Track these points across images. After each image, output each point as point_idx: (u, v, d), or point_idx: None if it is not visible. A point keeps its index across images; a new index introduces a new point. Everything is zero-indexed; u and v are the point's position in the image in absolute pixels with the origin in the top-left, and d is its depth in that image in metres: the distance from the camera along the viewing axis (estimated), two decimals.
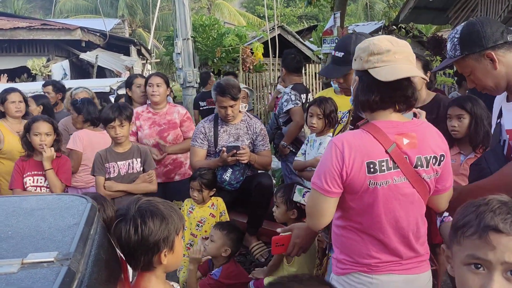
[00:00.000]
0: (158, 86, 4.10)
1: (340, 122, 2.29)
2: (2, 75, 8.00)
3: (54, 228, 1.30)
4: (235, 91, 3.55)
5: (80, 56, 12.51)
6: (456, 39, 1.91)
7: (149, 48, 19.15)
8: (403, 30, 11.05)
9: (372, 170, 1.61)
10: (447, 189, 1.81)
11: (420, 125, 1.73)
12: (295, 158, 3.62)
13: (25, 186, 3.44)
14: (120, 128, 3.33)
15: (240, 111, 3.74)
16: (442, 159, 1.71)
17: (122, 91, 6.46)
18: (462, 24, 1.97)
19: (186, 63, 8.26)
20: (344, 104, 2.92)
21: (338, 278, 1.77)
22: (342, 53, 2.12)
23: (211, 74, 8.56)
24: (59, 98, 5.48)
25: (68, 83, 6.39)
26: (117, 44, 15.02)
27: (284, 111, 4.33)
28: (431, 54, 9.28)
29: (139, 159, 3.42)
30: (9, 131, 4.10)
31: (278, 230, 2.21)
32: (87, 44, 13.13)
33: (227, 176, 3.52)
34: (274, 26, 11.54)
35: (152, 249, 1.55)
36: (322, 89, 8.35)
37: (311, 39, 10.46)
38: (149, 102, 4.22)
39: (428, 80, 3.00)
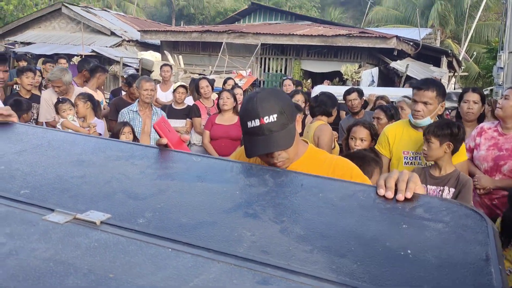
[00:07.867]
0: None
1: None
2: (325, 80, 8.78)
3: (461, 260, 0.98)
4: None
5: (390, 64, 12.57)
6: None
7: (460, 59, 17.87)
8: None
9: None
10: None
11: None
12: None
13: None
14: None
15: None
16: None
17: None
18: None
19: (509, 79, 7.33)
20: None
21: None
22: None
23: None
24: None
25: (376, 90, 6.51)
26: (426, 54, 14.50)
27: None
28: None
29: (452, 189, 2.78)
30: None
31: None
32: (399, 53, 13.09)
33: None
34: None
35: None
36: None
37: None
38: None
39: None
